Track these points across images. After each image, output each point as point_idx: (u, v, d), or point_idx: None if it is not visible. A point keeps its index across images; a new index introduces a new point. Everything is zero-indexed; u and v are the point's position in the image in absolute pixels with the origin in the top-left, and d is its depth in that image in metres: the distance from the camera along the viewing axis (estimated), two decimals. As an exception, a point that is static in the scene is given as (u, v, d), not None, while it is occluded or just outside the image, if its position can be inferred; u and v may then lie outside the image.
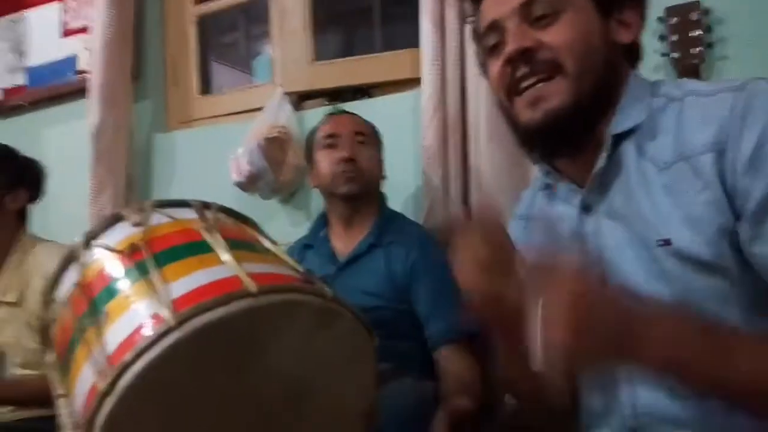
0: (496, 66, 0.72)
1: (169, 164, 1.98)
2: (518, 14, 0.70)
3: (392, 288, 1.24)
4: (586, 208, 0.73)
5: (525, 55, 0.68)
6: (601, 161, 0.69)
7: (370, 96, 1.71)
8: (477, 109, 1.37)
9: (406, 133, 1.54)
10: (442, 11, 1.43)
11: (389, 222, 1.32)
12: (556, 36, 0.68)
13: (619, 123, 0.70)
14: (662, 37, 1.22)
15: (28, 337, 1.30)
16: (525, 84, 0.69)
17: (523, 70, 0.69)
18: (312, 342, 0.73)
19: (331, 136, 1.32)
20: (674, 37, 1.22)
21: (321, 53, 1.85)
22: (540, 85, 0.68)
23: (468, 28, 1.40)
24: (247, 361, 0.69)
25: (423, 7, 1.45)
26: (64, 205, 1.86)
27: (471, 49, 1.37)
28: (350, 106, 1.62)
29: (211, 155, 1.84)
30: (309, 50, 1.83)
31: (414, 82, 1.55)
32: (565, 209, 0.76)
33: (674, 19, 1.22)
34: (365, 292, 1.21)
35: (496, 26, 0.72)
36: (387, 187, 1.41)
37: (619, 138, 0.69)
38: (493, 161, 1.34)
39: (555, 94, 0.68)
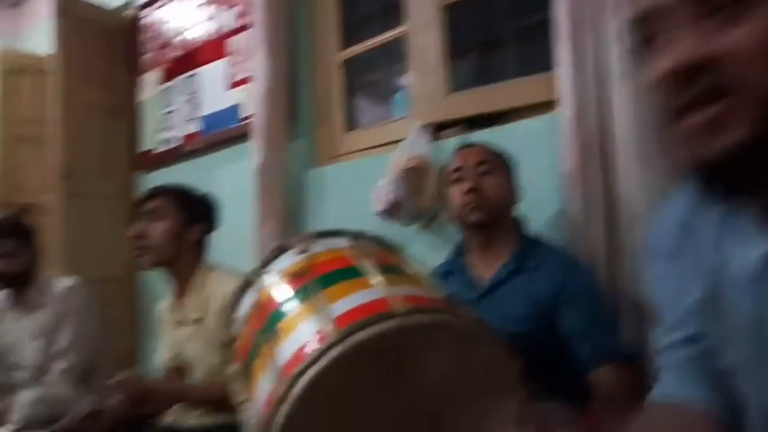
0: (656, 67, 0.50)
1: (320, 197, 2.16)
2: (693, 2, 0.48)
3: (536, 313, 1.24)
4: None
5: (694, 73, 0.47)
6: None
7: (506, 121, 1.74)
8: (622, 129, 1.34)
9: (544, 158, 1.55)
10: (578, 32, 1.43)
11: (529, 247, 1.33)
12: (742, 40, 0.46)
13: None
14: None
15: (208, 351, 1.48)
16: (690, 111, 0.49)
17: (689, 94, 0.48)
18: (456, 363, 0.78)
19: (456, 170, 1.37)
20: None
21: (457, 83, 1.92)
22: (712, 108, 0.47)
23: (606, 45, 1.39)
24: (397, 376, 0.76)
25: (560, 30, 1.46)
26: (233, 235, 2.11)
27: (611, 65, 1.36)
28: (485, 134, 1.66)
29: (357, 187, 1.98)
30: (444, 82, 1.91)
31: (549, 105, 1.56)
32: (744, 251, 0.58)
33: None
34: (507, 318, 1.23)
35: (657, 15, 0.50)
36: (526, 213, 1.42)
37: None
38: (641, 183, 1.30)
39: (732, 125, 0.47)
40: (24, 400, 1.84)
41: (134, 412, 1.38)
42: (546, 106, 1.60)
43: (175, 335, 1.61)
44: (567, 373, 1.21)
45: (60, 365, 1.92)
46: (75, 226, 2.83)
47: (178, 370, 1.60)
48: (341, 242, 0.96)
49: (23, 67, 3.53)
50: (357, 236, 0.99)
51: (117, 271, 2.95)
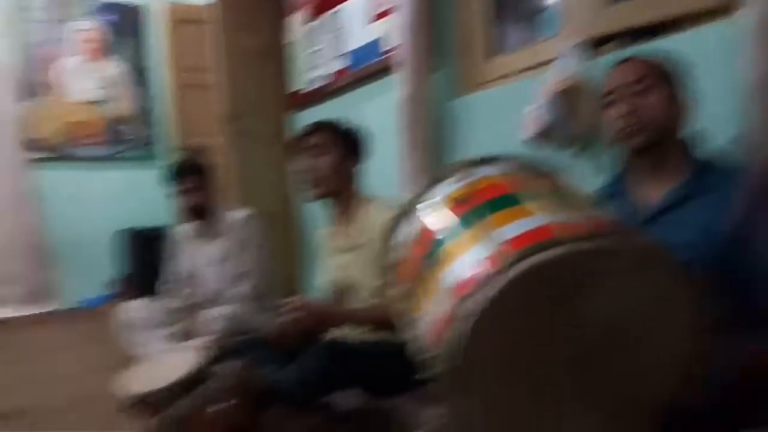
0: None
1: (465, 126, 2.14)
2: None
3: (709, 242, 1.14)
4: None
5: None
6: None
7: (677, 30, 1.55)
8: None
9: (723, 70, 1.37)
10: None
11: (705, 170, 1.21)
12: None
13: None
14: None
15: (369, 275, 1.59)
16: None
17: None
18: (629, 288, 0.75)
19: (609, 93, 1.26)
20: None
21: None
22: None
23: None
24: (567, 302, 0.75)
25: None
26: (380, 167, 2.17)
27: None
28: (652, 46, 1.51)
29: (503, 114, 1.92)
30: (602, -8, 1.74)
31: (729, 8, 1.36)
32: None
33: None
34: (677, 245, 1.15)
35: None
36: (703, 133, 1.29)
37: None
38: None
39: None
40: (211, 316, 2.11)
41: (308, 333, 1.52)
42: (725, 9, 1.40)
43: (338, 260, 1.73)
44: (737, 304, 1.12)
45: (242, 287, 2.17)
46: (239, 165, 3.11)
47: (343, 292, 1.74)
48: (499, 168, 0.95)
49: (187, 18, 3.85)
50: (515, 162, 0.97)
51: (275, 204, 3.21)
